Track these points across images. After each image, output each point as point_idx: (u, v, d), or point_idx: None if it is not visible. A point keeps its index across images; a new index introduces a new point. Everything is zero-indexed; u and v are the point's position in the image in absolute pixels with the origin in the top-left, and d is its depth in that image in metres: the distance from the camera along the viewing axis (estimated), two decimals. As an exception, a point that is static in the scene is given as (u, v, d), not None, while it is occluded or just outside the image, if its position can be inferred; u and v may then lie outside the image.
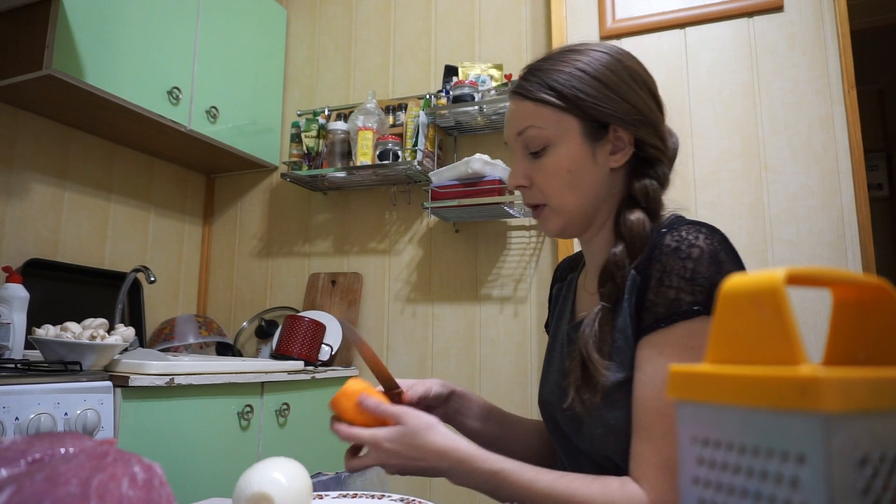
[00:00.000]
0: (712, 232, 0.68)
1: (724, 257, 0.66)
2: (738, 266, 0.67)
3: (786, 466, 0.25)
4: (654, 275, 0.67)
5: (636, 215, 0.73)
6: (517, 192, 1.64)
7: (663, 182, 0.77)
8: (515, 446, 0.91)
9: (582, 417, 0.73)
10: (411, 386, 0.82)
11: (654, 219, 0.75)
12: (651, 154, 0.76)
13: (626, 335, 0.69)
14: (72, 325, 1.24)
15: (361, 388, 0.75)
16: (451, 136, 2.07)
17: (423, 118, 1.94)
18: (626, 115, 0.74)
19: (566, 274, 0.95)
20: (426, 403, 0.84)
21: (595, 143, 0.75)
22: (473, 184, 1.78)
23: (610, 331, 0.71)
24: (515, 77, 1.79)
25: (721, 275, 0.65)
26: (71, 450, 0.37)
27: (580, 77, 0.74)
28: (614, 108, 0.74)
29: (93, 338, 1.23)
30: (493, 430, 0.90)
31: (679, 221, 0.72)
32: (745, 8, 1.72)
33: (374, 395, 0.75)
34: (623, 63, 0.77)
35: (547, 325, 0.98)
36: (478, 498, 1.55)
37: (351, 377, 0.79)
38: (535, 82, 0.76)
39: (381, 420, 0.73)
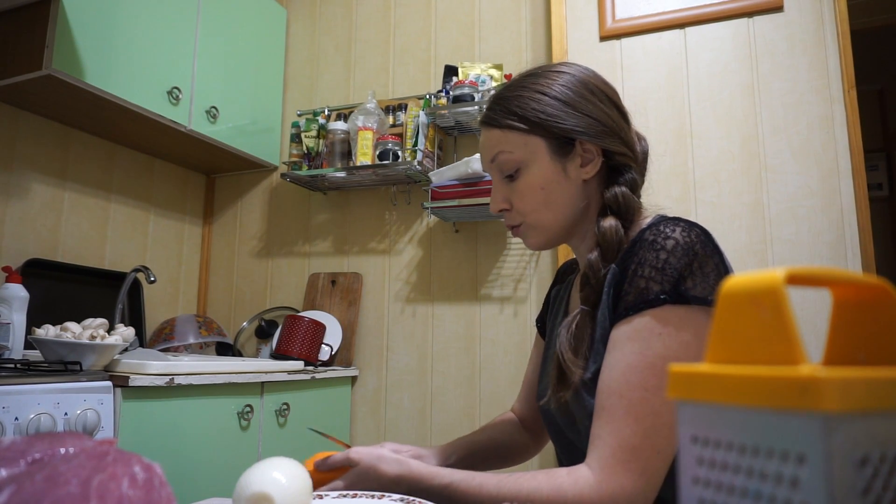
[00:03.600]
0: (690, 226, 0.70)
1: (700, 249, 0.68)
2: (716, 258, 0.69)
3: (786, 466, 0.25)
4: (630, 266, 0.70)
5: (608, 222, 0.76)
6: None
7: (634, 187, 0.80)
8: (501, 455, 0.97)
9: (573, 412, 0.75)
10: (409, 450, 0.87)
11: (629, 222, 0.77)
12: (619, 161, 0.79)
13: (604, 327, 0.72)
14: (72, 325, 1.24)
15: (319, 455, 0.80)
16: (451, 136, 2.07)
17: (423, 118, 1.94)
18: (589, 129, 0.77)
19: (565, 277, 0.98)
20: None
21: (564, 159, 0.78)
22: (473, 184, 1.78)
23: (587, 332, 0.74)
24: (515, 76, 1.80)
25: (692, 266, 0.67)
26: (71, 450, 0.37)
27: (539, 99, 0.78)
28: (576, 123, 0.77)
29: (93, 338, 1.23)
30: (467, 460, 0.93)
31: (661, 219, 0.74)
32: (745, 8, 1.72)
33: (324, 454, 0.79)
34: (581, 80, 0.80)
35: (538, 321, 1.02)
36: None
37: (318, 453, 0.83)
38: (500, 110, 0.80)
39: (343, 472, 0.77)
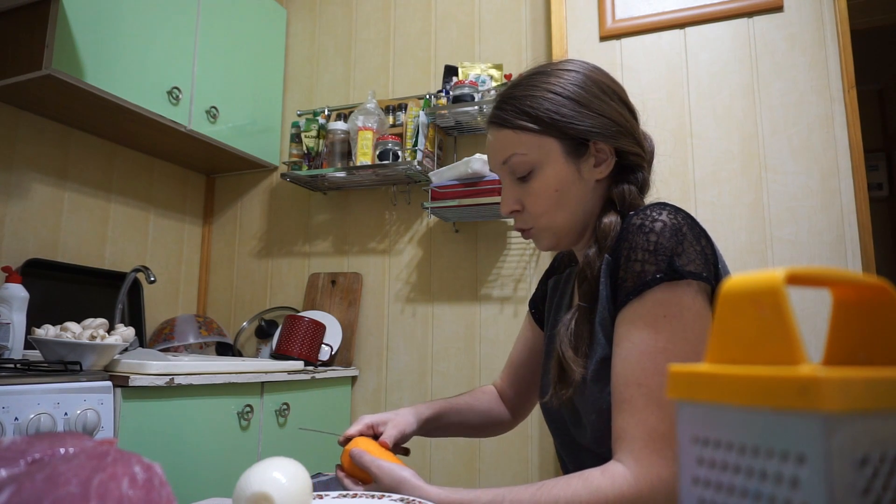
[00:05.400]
0: (676, 210, 0.71)
1: (687, 230, 0.68)
2: (702, 240, 0.69)
3: (786, 466, 0.25)
4: (622, 253, 0.70)
5: (609, 218, 0.76)
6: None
7: (643, 187, 0.80)
8: (475, 423, 1.01)
9: (579, 408, 0.75)
10: (385, 423, 0.86)
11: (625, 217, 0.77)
12: (632, 161, 0.79)
13: (604, 317, 0.72)
14: (72, 325, 1.24)
15: (361, 444, 0.79)
16: (451, 136, 2.07)
17: (423, 118, 1.94)
18: (604, 129, 0.76)
19: (564, 267, 0.97)
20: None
21: (578, 160, 0.77)
22: (473, 184, 1.78)
23: (586, 328, 0.74)
24: (515, 76, 1.80)
25: (682, 245, 0.67)
26: (71, 450, 0.37)
27: (553, 99, 0.76)
28: (591, 124, 0.76)
29: (93, 338, 1.23)
30: (441, 419, 0.96)
31: (647, 205, 0.74)
32: (744, 8, 1.72)
33: (365, 447, 0.78)
34: (591, 78, 0.79)
35: (531, 304, 1.02)
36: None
37: (357, 438, 0.83)
38: (511, 110, 0.78)
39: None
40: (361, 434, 0.85)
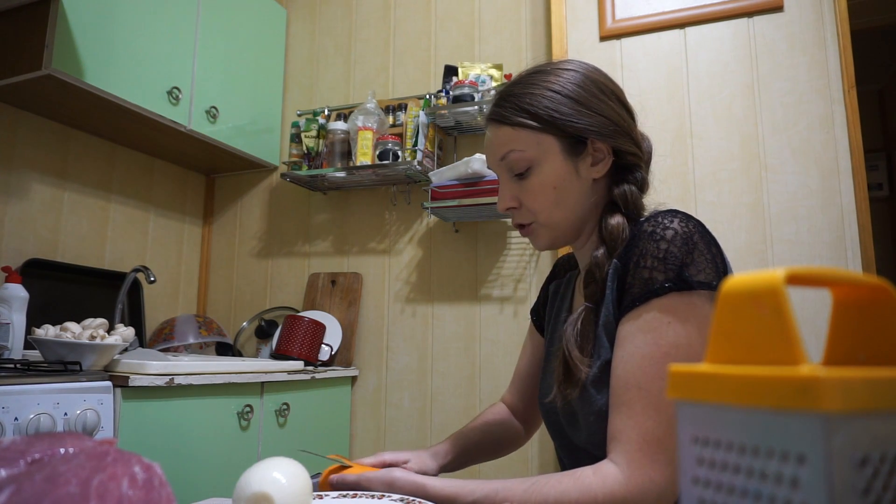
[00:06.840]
0: (688, 218, 0.71)
1: (698, 239, 0.68)
2: (713, 249, 0.69)
3: (786, 466, 0.25)
4: (632, 259, 0.70)
5: (616, 219, 0.76)
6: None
7: (642, 186, 0.80)
8: (493, 448, 1.00)
9: (576, 409, 0.75)
10: (403, 462, 0.87)
11: (634, 221, 0.77)
12: (630, 161, 0.80)
13: (608, 321, 0.72)
14: (71, 325, 1.24)
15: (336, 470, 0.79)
16: (451, 136, 2.07)
17: (422, 118, 1.94)
18: (602, 128, 0.77)
19: (565, 271, 0.97)
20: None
21: (576, 158, 0.77)
22: (473, 184, 1.78)
23: (592, 329, 0.74)
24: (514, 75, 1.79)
25: (692, 255, 0.67)
26: (71, 450, 0.37)
27: (552, 97, 0.77)
28: (589, 123, 0.76)
29: (93, 338, 1.23)
30: (462, 457, 0.96)
31: (658, 212, 0.74)
32: (745, 8, 1.72)
33: (343, 472, 0.77)
34: (590, 77, 0.79)
35: (533, 312, 1.02)
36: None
37: (332, 466, 0.82)
38: (510, 107, 0.78)
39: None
40: (372, 466, 0.85)
